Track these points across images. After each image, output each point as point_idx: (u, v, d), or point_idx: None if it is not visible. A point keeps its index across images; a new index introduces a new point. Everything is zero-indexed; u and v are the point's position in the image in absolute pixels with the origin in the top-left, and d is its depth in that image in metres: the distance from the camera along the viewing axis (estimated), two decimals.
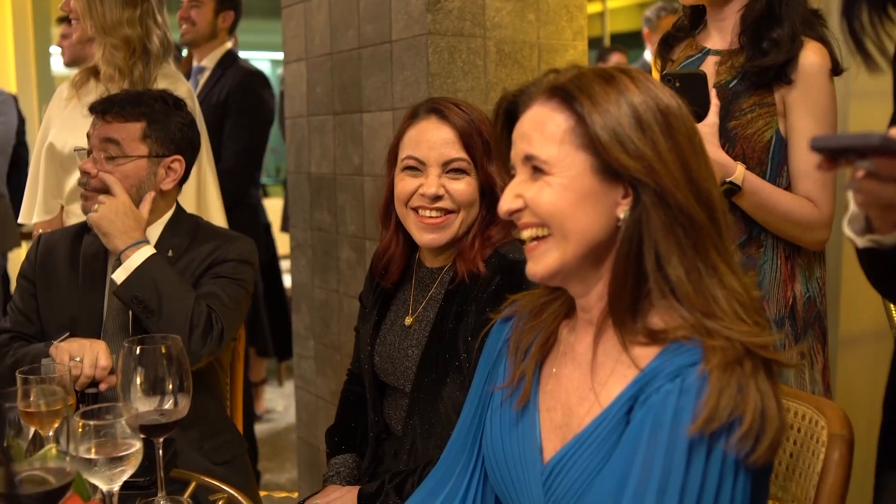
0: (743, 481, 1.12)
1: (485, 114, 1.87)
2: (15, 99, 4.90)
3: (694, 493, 1.09)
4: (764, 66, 1.93)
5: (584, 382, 1.28)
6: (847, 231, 1.22)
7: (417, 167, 1.84)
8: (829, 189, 1.96)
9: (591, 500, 1.18)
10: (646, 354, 1.20)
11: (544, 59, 2.75)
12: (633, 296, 1.21)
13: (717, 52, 2.04)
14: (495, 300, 1.71)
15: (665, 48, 2.21)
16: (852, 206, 1.19)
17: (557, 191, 1.22)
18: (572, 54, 2.81)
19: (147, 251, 2.08)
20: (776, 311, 1.99)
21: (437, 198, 1.81)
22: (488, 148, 1.82)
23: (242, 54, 4.94)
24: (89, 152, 2.17)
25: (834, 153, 1.07)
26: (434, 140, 1.83)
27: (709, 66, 2.03)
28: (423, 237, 1.84)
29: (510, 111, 1.33)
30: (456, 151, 1.82)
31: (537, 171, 1.25)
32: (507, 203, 1.28)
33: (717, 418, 1.09)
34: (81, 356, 1.96)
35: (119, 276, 2.05)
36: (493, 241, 1.83)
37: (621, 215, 1.22)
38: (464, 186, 1.82)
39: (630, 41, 7.02)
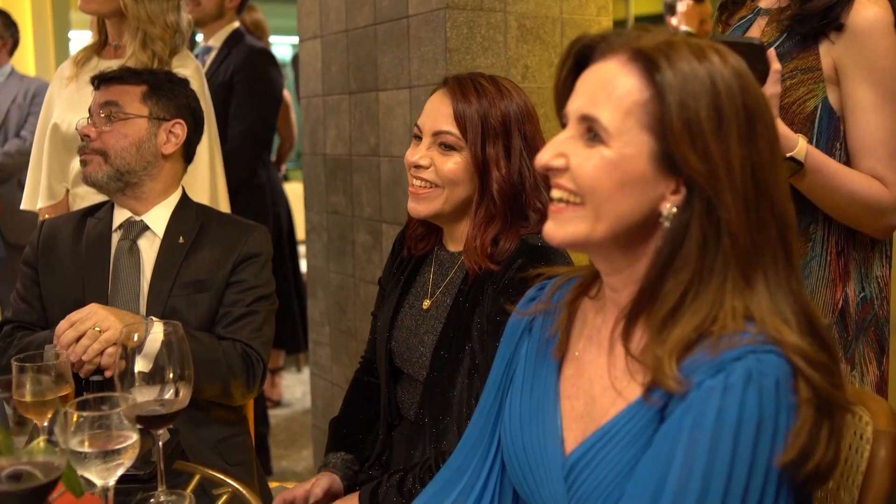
0: (786, 498, 1.04)
1: (521, 96, 1.80)
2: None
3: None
4: (808, 12, 1.71)
5: (609, 370, 1.19)
6: None
7: (418, 135, 1.83)
8: None
9: (624, 502, 1.09)
10: (681, 345, 1.09)
11: (567, 34, 2.65)
12: (664, 296, 1.11)
13: (766, 12, 1.85)
14: (513, 285, 1.67)
15: (724, 13, 2.01)
16: None
17: (606, 166, 1.10)
18: (596, 31, 2.70)
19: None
20: (822, 315, 1.77)
21: (419, 167, 1.78)
22: (494, 133, 1.75)
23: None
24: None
25: None
26: (431, 109, 1.81)
27: (757, 28, 1.86)
28: (409, 205, 1.82)
29: (583, 55, 1.20)
30: (448, 125, 1.77)
31: (592, 136, 1.12)
32: (547, 157, 1.16)
33: (812, 456, 1.02)
34: (90, 326, 1.87)
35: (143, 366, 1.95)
36: (492, 237, 1.76)
37: (664, 211, 1.11)
38: (451, 164, 1.77)
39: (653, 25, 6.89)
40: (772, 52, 1.68)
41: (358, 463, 1.93)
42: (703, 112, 1.07)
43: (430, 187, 1.78)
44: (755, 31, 1.85)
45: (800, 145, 1.68)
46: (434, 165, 1.77)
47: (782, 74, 1.74)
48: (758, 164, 1.08)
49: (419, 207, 1.80)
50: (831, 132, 1.77)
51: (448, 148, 1.77)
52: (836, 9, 1.70)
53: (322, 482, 1.84)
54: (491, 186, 1.74)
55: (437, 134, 1.78)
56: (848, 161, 1.77)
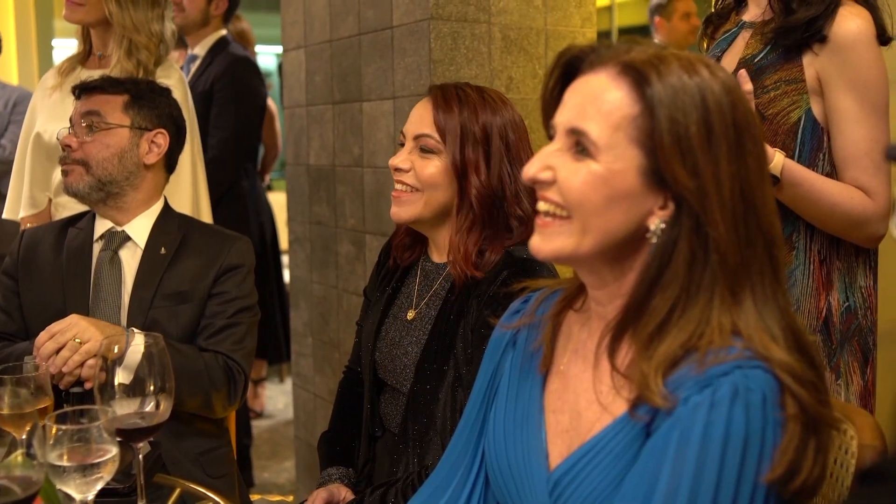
0: None
1: (508, 107, 1.81)
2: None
3: None
4: (791, 25, 1.72)
5: (594, 385, 1.18)
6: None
7: (402, 141, 1.85)
8: (883, 175, 1.73)
9: None
10: (667, 361, 1.09)
11: (551, 46, 2.65)
12: (651, 311, 1.11)
13: (750, 25, 1.87)
14: (497, 298, 1.67)
15: (709, 27, 2.03)
16: None
17: (594, 180, 1.10)
18: (581, 43, 2.71)
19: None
20: (807, 324, 1.79)
21: (399, 170, 1.80)
22: (474, 138, 1.76)
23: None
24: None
25: None
26: (414, 115, 1.83)
27: (741, 40, 1.87)
28: (391, 209, 1.84)
29: (572, 66, 1.18)
30: (428, 128, 1.78)
31: (580, 149, 1.12)
32: (534, 170, 1.15)
33: (798, 473, 1.02)
34: (70, 338, 1.86)
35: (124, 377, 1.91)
36: (475, 243, 1.76)
37: (652, 227, 1.11)
38: (430, 168, 1.78)
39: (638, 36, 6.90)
40: (742, 74, 1.70)
41: (355, 476, 1.92)
42: (692, 128, 1.06)
43: (411, 191, 1.79)
44: (739, 44, 1.87)
45: (776, 160, 1.69)
46: (414, 169, 1.79)
47: (766, 86, 1.76)
48: (746, 181, 1.08)
49: (400, 211, 1.81)
50: (815, 143, 1.78)
51: (428, 151, 1.78)
52: (820, 21, 1.71)
53: (321, 495, 1.83)
54: (469, 191, 1.75)
55: (417, 137, 1.79)
56: (832, 171, 1.78)
